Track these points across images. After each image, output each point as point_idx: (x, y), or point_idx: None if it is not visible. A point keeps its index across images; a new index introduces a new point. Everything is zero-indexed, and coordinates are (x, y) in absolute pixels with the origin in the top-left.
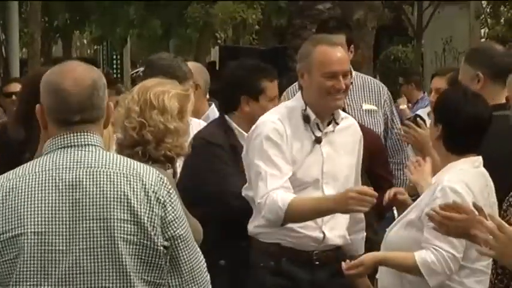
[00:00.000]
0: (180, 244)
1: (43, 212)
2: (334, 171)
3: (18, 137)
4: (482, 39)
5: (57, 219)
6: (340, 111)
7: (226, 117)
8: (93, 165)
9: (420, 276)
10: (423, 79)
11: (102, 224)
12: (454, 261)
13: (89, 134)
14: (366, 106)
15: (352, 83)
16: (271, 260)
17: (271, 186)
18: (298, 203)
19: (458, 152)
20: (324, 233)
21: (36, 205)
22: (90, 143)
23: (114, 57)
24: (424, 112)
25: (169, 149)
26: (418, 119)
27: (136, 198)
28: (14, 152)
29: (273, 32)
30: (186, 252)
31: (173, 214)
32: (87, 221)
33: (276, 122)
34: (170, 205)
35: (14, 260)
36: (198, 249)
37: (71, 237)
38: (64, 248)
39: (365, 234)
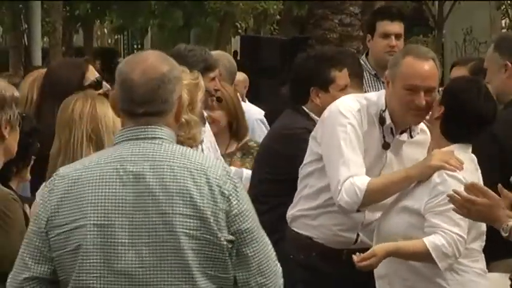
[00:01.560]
0: (247, 238)
1: (106, 204)
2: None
3: (27, 128)
4: (503, 30)
5: (120, 211)
6: (421, 124)
7: (304, 107)
8: (157, 159)
9: (431, 262)
10: (443, 69)
11: (164, 219)
12: (462, 243)
13: (156, 127)
14: None
15: None
16: (302, 254)
17: (353, 172)
18: (376, 181)
19: (451, 137)
20: (358, 235)
21: (99, 197)
22: (157, 136)
23: (135, 47)
24: None
25: (181, 141)
26: None
27: (200, 192)
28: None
29: (293, 22)
30: (253, 245)
31: (238, 208)
32: (150, 215)
33: (356, 113)
34: (236, 199)
35: (75, 251)
36: (267, 240)
37: (134, 230)
38: (126, 241)
39: None
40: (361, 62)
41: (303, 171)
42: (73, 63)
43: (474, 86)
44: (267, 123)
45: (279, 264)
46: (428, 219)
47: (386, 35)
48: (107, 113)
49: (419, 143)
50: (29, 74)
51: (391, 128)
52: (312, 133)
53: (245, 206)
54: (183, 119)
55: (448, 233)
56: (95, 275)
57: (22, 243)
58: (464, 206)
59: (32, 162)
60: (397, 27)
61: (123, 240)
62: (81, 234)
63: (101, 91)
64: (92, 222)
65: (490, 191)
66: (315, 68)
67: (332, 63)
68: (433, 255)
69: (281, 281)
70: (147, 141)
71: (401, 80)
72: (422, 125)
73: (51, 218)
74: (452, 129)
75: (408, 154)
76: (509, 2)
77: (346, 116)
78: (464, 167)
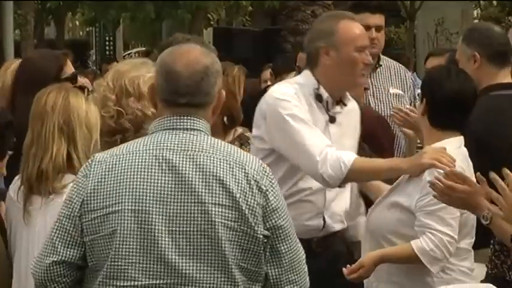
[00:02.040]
0: (281, 234)
1: (143, 190)
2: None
3: (2, 121)
4: (475, 21)
5: (158, 198)
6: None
7: None
8: (197, 150)
9: (422, 265)
10: (415, 60)
11: (202, 208)
12: (453, 244)
13: (195, 118)
14: (392, 90)
15: (381, 65)
16: None
17: (325, 143)
18: (364, 161)
19: (441, 127)
20: (324, 219)
21: (136, 183)
22: (196, 127)
23: (107, 39)
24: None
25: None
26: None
27: (238, 185)
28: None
29: (265, 14)
30: (287, 242)
31: (275, 204)
32: (188, 204)
33: (294, 95)
34: (272, 195)
35: (110, 235)
36: (298, 239)
37: (171, 218)
38: (163, 228)
39: (364, 218)
40: None
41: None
42: (51, 56)
43: (450, 70)
44: None
45: (306, 266)
46: (419, 218)
47: (367, 27)
48: (80, 105)
49: (352, 110)
50: (5, 65)
51: (327, 103)
52: (253, 133)
53: (281, 202)
54: (149, 112)
55: (437, 235)
56: (131, 260)
57: (52, 227)
58: (445, 193)
59: (7, 156)
60: (378, 19)
61: (160, 227)
62: (117, 219)
63: (77, 84)
64: (128, 207)
65: (470, 178)
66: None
67: None
68: (423, 260)
69: (308, 280)
70: (186, 131)
71: (349, 44)
72: (348, 95)
73: (85, 202)
74: (440, 117)
75: (347, 123)
76: None
77: (286, 100)
78: (457, 165)
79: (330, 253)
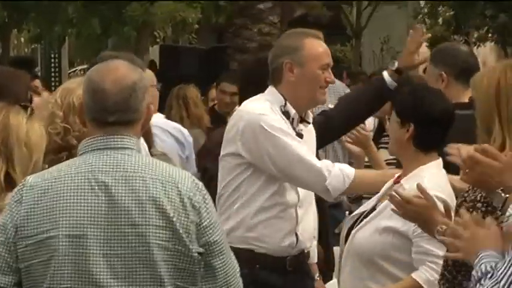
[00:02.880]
0: (215, 250)
1: (78, 214)
2: None
3: None
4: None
5: (92, 222)
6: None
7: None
8: (129, 170)
9: None
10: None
11: (137, 230)
12: None
13: (125, 137)
14: (332, 106)
15: None
16: (245, 268)
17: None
18: (362, 174)
19: (426, 149)
20: (297, 236)
21: (71, 207)
22: (126, 146)
23: (52, 56)
24: None
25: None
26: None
27: (171, 204)
28: None
29: (212, 31)
30: (221, 257)
31: (208, 220)
32: (123, 226)
33: (270, 110)
34: (205, 211)
35: (47, 261)
36: (232, 254)
37: (106, 241)
38: (98, 251)
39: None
40: None
41: (226, 189)
42: (16, 75)
43: (425, 90)
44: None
45: (241, 281)
46: (418, 243)
47: None
48: (20, 124)
49: (310, 129)
50: None
51: (293, 119)
52: (226, 151)
53: (214, 218)
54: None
55: (439, 262)
56: (66, 286)
57: None
58: (402, 206)
59: None
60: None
61: (95, 251)
62: (53, 245)
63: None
64: (64, 233)
65: (427, 192)
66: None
67: None
68: None
69: None
70: (117, 151)
71: (315, 61)
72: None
73: (20, 228)
74: (426, 139)
75: (309, 141)
76: (425, 11)
77: (268, 115)
78: (445, 188)
79: (301, 272)
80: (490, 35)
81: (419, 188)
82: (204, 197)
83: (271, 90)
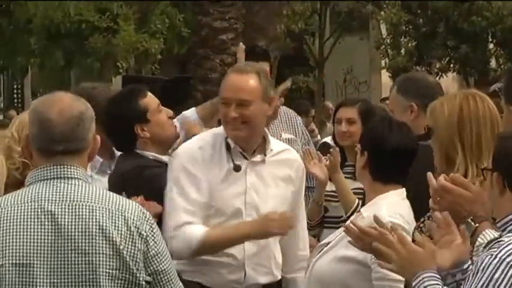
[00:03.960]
0: (163, 279)
1: (25, 243)
2: (258, 202)
3: None
4: (383, 70)
5: (39, 251)
6: (277, 144)
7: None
8: (75, 199)
9: None
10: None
11: (85, 258)
12: None
13: (72, 166)
14: (285, 135)
15: None
16: None
17: (184, 220)
18: (213, 233)
19: (383, 180)
20: (245, 272)
21: (17, 236)
22: (73, 176)
23: (15, 86)
24: (329, 139)
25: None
26: (330, 146)
27: (119, 233)
28: None
29: (174, 62)
30: (169, 286)
31: (156, 249)
32: (71, 255)
33: (196, 151)
34: (153, 240)
35: None
36: (180, 282)
37: (54, 270)
38: (47, 280)
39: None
40: None
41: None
42: None
43: (386, 122)
44: None
45: None
46: (376, 269)
47: None
48: None
49: (282, 161)
50: None
51: (240, 153)
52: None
53: (161, 247)
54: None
55: (398, 286)
56: None
57: None
58: (360, 238)
59: None
60: (262, 66)
61: (42, 281)
62: (0, 274)
63: None
64: (10, 261)
65: (383, 222)
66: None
67: (136, 93)
68: None
69: None
70: (64, 181)
71: (220, 95)
72: (283, 146)
73: None
74: (382, 170)
75: (272, 173)
76: (388, 42)
77: (180, 161)
78: (406, 216)
79: None
80: (451, 65)
81: (376, 219)
82: (152, 227)
83: None
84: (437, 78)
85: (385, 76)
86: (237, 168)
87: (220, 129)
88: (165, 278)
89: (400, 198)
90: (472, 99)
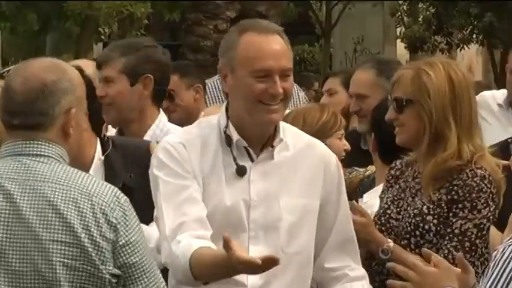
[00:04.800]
0: (135, 273)
1: None
2: (267, 219)
3: None
4: (398, 40)
5: None
6: (286, 128)
7: None
8: (39, 179)
9: None
10: None
11: (39, 245)
12: None
13: (41, 142)
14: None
15: None
16: None
17: (172, 232)
18: (199, 256)
19: (390, 162)
20: None
21: None
22: (43, 153)
23: None
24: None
25: None
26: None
27: (81, 219)
28: None
29: (163, 28)
30: (141, 282)
31: (126, 239)
32: (24, 241)
33: (178, 147)
34: (124, 228)
35: None
36: (159, 277)
37: (4, 256)
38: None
39: None
40: None
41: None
42: None
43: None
44: None
45: None
46: None
47: None
48: None
49: (296, 154)
50: None
51: (245, 148)
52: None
53: (134, 237)
54: None
55: None
56: None
57: None
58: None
59: None
60: None
61: None
62: None
63: None
64: None
65: (365, 210)
66: None
67: None
68: None
69: None
70: (32, 158)
71: (244, 66)
72: (292, 129)
73: None
74: (389, 152)
75: (282, 174)
76: (404, 8)
77: (158, 160)
78: None
79: None
80: (474, 35)
81: (353, 206)
82: (125, 214)
83: (224, 105)
84: (458, 50)
85: (400, 47)
86: (240, 172)
87: (213, 119)
88: (137, 271)
89: None
90: (456, 67)
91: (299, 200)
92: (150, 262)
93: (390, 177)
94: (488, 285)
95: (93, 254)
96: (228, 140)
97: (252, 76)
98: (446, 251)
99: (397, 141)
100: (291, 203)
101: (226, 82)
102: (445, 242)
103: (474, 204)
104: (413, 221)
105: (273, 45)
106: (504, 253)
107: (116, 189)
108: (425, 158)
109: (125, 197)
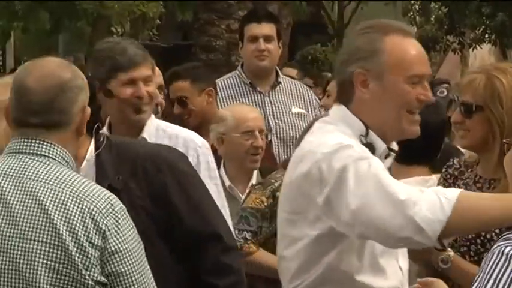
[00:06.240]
0: (123, 283)
1: None
2: None
3: None
4: None
5: None
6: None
7: None
8: (32, 178)
9: None
10: None
11: (23, 244)
12: None
13: (45, 143)
14: (295, 109)
15: (280, 83)
16: None
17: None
18: (472, 196)
19: (406, 162)
20: None
21: None
22: (44, 153)
23: None
24: None
25: None
26: None
27: (68, 222)
28: None
29: (176, 28)
30: None
31: (116, 246)
32: (9, 239)
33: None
34: (115, 236)
35: None
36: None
37: None
38: None
39: None
40: (237, 72)
41: (312, 232)
42: None
43: None
44: None
45: None
46: None
47: (254, 38)
48: None
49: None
50: None
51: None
52: (304, 184)
53: (125, 245)
54: None
55: None
56: None
57: None
58: None
59: None
60: (265, 28)
61: None
62: None
63: None
64: None
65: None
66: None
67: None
68: None
69: None
70: (31, 156)
71: (400, 71)
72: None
73: None
74: (405, 153)
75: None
76: (416, 8)
77: (350, 145)
78: None
79: None
80: (487, 35)
81: None
82: (118, 221)
83: (341, 112)
84: (470, 50)
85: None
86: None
87: (342, 123)
88: (125, 281)
89: (423, 183)
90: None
91: None
92: (142, 274)
93: (448, 176)
94: (489, 285)
95: (76, 259)
96: (372, 150)
97: (408, 82)
98: None
99: (460, 144)
100: None
101: (364, 88)
102: None
103: None
104: None
105: (421, 49)
106: (504, 253)
107: (113, 196)
108: (497, 167)
109: (121, 205)
